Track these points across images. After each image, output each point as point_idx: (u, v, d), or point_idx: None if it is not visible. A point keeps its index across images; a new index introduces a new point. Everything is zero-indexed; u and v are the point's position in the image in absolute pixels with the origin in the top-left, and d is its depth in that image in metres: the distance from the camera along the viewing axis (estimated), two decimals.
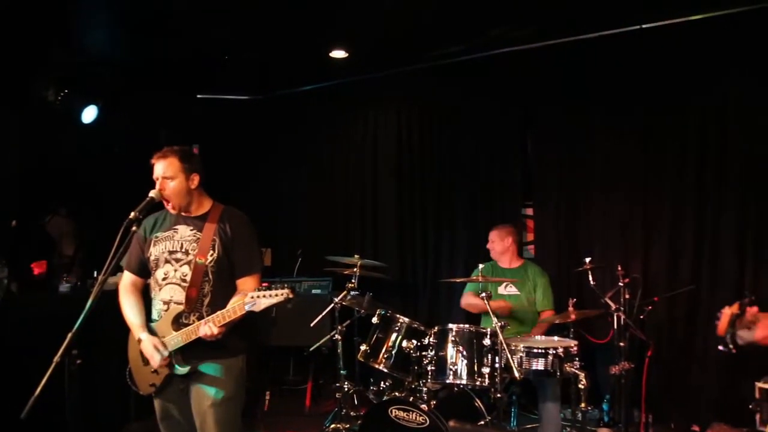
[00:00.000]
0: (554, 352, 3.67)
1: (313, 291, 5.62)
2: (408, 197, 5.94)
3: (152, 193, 2.85)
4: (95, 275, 4.90)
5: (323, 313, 4.57)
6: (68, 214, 5.29)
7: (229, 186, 5.95)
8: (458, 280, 4.35)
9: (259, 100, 6.57)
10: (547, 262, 5.06)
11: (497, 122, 5.48)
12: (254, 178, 6.52)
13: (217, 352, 2.86)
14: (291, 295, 2.56)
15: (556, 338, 3.99)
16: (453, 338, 3.72)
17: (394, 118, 6.06)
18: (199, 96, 6.39)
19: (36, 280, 4.90)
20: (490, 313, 3.57)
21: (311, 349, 4.84)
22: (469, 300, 4.56)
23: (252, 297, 2.61)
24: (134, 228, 2.62)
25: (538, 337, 4.11)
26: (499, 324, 3.52)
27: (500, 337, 3.49)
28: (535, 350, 3.69)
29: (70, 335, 2.32)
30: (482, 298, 3.65)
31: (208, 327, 2.72)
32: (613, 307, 3.94)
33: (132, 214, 2.64)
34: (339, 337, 4.46)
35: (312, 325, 4.60)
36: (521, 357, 3.68)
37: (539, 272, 4.64)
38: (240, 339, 2.93)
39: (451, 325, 3.78)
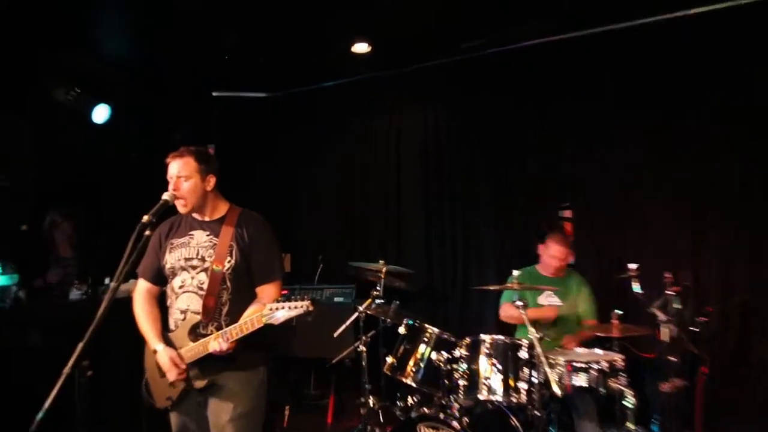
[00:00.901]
0: (598, 366, 3.56)
1: (336, 299, 5.59)
2: (435, 199, 5.90)
3: (166, 196, 2.84)
4: (107, 282, 4.93)
5: (346, 323, 4.55)
6: (66, 215, 5.31)
7: (246, 188, 5.99)
8: (492, 288, 4.27)
9: (277, 98, 6.57)
10: (586, 268, 4.94)
11: (530, 119, 5.42)
12: (272, 180, 6.53)
13: (237, 363, 2.84)
14: (311, 308, 2.55)
15: (599, 351, 3.87)
16: (486, 350, 3.66)
17: (419, 116, 6.04)
18: (214, 94, 6.42)
19: (45, 287, 4.94)
20: (527, 324, 3.49)
21: (334, 361, 4.82)
22: (509, 311, 4.46)
23: (270, 309, 2.59)
24: (147, 232, 2.61)
25: (579, 350, 4.01)
26: (537, 335, 3.44)
27: (538, 349, 3.42)
28: (577, 364, 3.59)
29: (80, 345, 2.30)
30: (517, 307, 3.58)
31: (217, 343, 2.72)
32: (663, 318, 3.82)
33: (145, 217, 2.63)
34: (363, 349, 4.43)
35: (335, 335, 4.57)
36: (561, 371, 3.58)
37: (582, 281, 4.53)
38: (260, 350, 2.92)
39: (484, 336, 3.72)
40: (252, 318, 2.66)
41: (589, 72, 5.15)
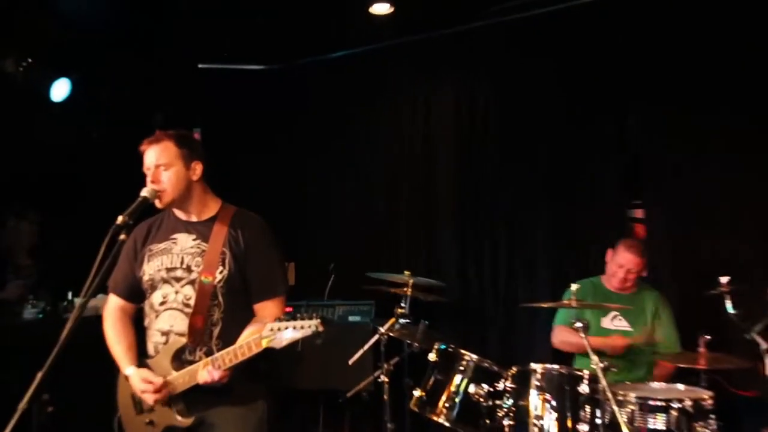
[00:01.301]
0: (680, 406, 3.51)
1: (351, 318, 5.62)
2: (472, 196, 5.89)
3: (145, 192, 2.85)
4: (70, 297, 4.97)
5: (364, 348, 4.55)
6: (22, 215, 5.37)
7: (239, 182, 6.07)
8: (544, 305, 4.25)
9: (277, 71, 6.60)
10: (662, 282, 4.92)
11: (589, 97, 5.40)
12: (272, 172, 6.57)
13: (231, 397, 2.84)
14: (321, 328, 2.54)
15: (681, 387, 3.83)
16: (537, 383, 3.66)
17: (450, 92, 6.03)
18: (201, 66, 6.46)
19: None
20: (589, 351, 3.48)
21: (348, 394, 4.83)
22: (564, 336, 4.43)
23: (271, 329, 2.58)
24: (122, 236, 2.62)
25: (655, 385, 3.96)
26: (602, 365, 3.42)
27: (603, 382, 3.40)
28: (653, 402, 3.54)
29: (39, 375, 2.30)
30: (575, 330, 3.56)
31: (207, 371, 2.71)
32: (766, 346, 3.74)
33: (120, 218, 2.63)
34: (385, 379, 4.45)
35: (350, 362, 4.58)
36: (633, 411, 3.54)
37: (659, 299, 4.49)
38: (259, 380, 2.91)
39: (534, 365, 3.73)
40: (249, 341, 2.65)
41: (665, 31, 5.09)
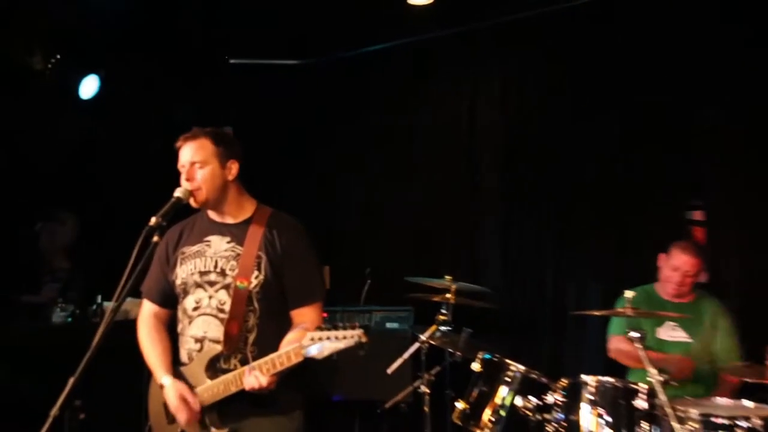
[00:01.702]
0: (748, 424, 3.39)
1: (388, 325, 5.61)
2: (518, 197, 5.87)
3: (178, 192, 2.87)
4: (99, 300, 5.03)
5: (403, 357, 4.53)
6: (63, 219, 5.45)
7: (271, 182, 6.09)
8: (596, 313, 4.19)
9: (312, 66, 6.62)
10: (726, 289, 4.85)
11: (645, 92, 5.32)
12: (305, 171, 6.59)
13: (266, 407, 2.85)
14: (364, 339, 2.54)
15: (748, 403, 3.71)
16: (590, 396, 3.61)
17: (497, 88, 6.00)
18: (233, 61, 6.49)
19: (25, 306, 5.07)
20: (646, 363, 3.43)
21: (386, 405, 4.81)
22: (621, 345, 4.36)
23: (312, 339, 2.58)
24: (156, 238, 2.64)
25: (719, 401, 3.87)
26: (661, 378, 3.38)
27: (662, 397, 3.35)
28: (718, 420, 3.44)
29: (71, 381, 2.32)
30: (631, 340, 3.51)
31: (254, 377, 2.71)
32: None
33: (153, 219, 2.65)
34: (425, 390, 4.44)
35: (388, 372, 4.55)
36: (695, 429, 3.43)
37: (719, 309, 4.40)
38: (295, 390, 2.92)
39: (586, 378, 3.67)
40: (289, 350, 2.66)
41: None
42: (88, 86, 5.34)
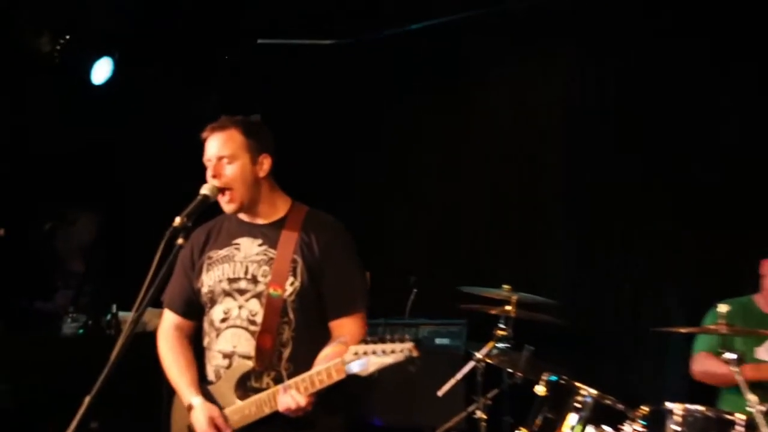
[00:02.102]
0: None
1: (438, 341, 5.59)
2: (585, 195, 5.81)
3: (205, 189, 2.84)
4: (114, 310, 5.04)
5: (456, 377, 4.51)
6: (77, 219, 5.49)
7: (304, 176, 6.07)
8: (682, 330, 4.12)
9: (350, 46, 6.61)
10: None
11: (738, 75, 5.24)
12: (341, 165, 6.61)
13: (304, 429, 2.81)
14: (415, 353, 2.50)
15: None
16: (676, 427, 3.56)
17: (562, 70, 5.96)
18: (260, 42, 6.49)
19: (37, 314, 5.11)
20: (743, 388, 3.38)
21: None
22: (707, 366, 4.28)
23: (355, 353, 2.55)
24: (180, 241, 2.60)
25: None
26: (762, 407, 3.33)
27: (764, 430, 3.30)
28: None
29: (87, 400, 2.30)
30: (726, 362, 3.48)
31: (290, 396, 2.68)
32: None
33: (177, 219, 2.62)
34: (481, 416, 4.41)
35: (438, 394, 4.53)
36: None
37: None
38: (336, 412, 2.91)
39: (670, 405, 3.62)
40: (329, 366, 2.62)
41: None
42: (101, 70, 5.36)
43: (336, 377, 2.61)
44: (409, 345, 2.49)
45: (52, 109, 5.39)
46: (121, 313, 5.08)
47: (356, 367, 2.55)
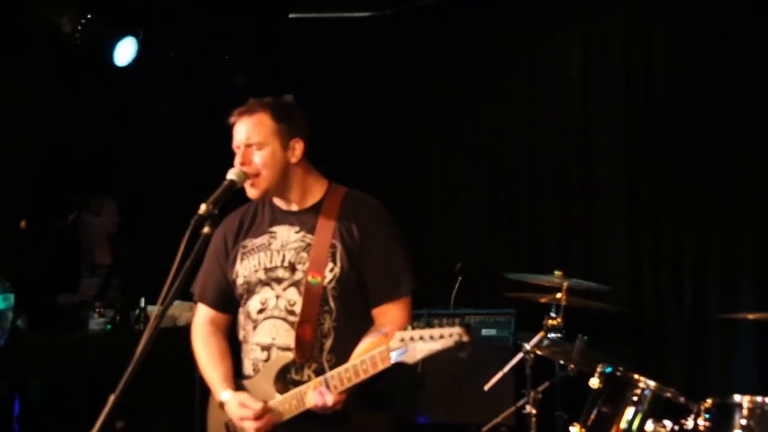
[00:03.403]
0: None
1: (485, 331, 5.59)
2: (647, 178, 5.77)
3: (232, 174, 2.84)
4: (143, 304, 5.11)
5: (504, 370, 4.54)
6: (99, 208, 5.56)
7: (340, 158, 6.08)
8: (750, 316, 4.07)
9: (387, 18, 6.62)
10: None
11: None
12: (382, 146, 6.62)
13: (348, 427, 2.83)
14: (466, 338, 2.47)
15: None
16: (743, 421, 3.53)
17: (618, 46, 5.92)
18: (292, 16, 6.51)
19: (61, 308, 5.18)
20: None
21: (484, 429, 4.83)
22: None
23: (402, 339, 2.54)
24: (207, 229, 2.61)
25: None
26: None
27: None
28: None
29: (112, 398, 2.32)
30: None
31: (318, 393, 2.70)
32: None
33: (202, 207, 2.61)
34: (531, 410, 4.41)
35: (485, 388, 4.56)
36: None
37: None
38: (382, 407, 2.92)
39: (738, 397, 3.59)
40: (374, 354, 2.61)
41: None
42: (125, 51, 5.39)
43: (381, 366, 2.60)
44: (458, 329, 2.47)
45: (73, 91, 5.44)
46: (150, 307, 5.13)
47: (403, 355, 2.55)
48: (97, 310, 5.12)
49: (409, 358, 2.53)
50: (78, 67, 5.43)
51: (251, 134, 2.89)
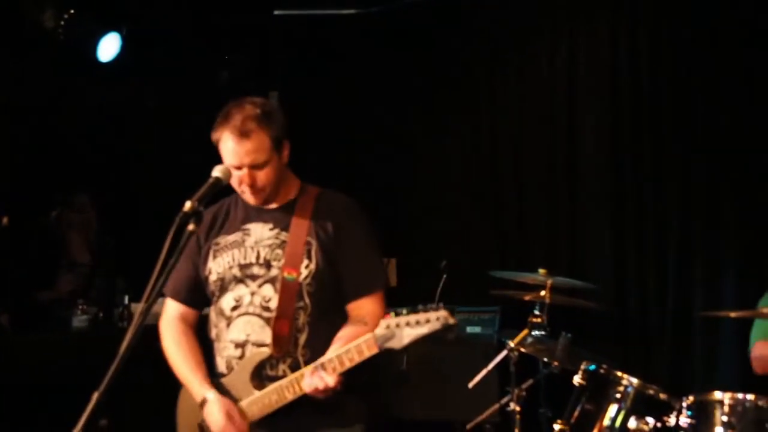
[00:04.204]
0: None
1: (469, 329, 5.61)
2: (632, 177, 5.78)
3: (217, 172, 2.80)
4: (126, 301, 5.10)
5: (488, 367, 4.54)
6: (81, 206, 5.54)
7: (324, 158, 6.09)
8: (733, 314, 4.08)
9: (374, 15, 6.58)
10: None
11: None
12: (366, 145, 6.62)
13: (324, 417, 2.86)
14: (451, 321, 2.54)
15: None
16: (724, 417, 3.49)
17: (605, 39, 5.92)
18: (277, 12, 6.51)
19: (39, 304, 5.16)
20: None
21: (468, 426, 4.83)
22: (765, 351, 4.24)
23: (388, 326, 2.58)
24: (191, 227, 2.61)
25: None
26: None
27: None
28: None
29: (95, 396, 2.32)
30: None
31: (318, 377, 2.70)
32: None
33: (187, 204, 2.59)
34: (515, 408, 4.41)
35: (469, 386, 4.57)
36: None
37: None
38: (358, 397, 2.93)
39: (719, 394, 3.56)
40: (360, 343, 2.65)
41: None
42: (108, 47, 5.38)
43: (368, 353, 2.64)
44: (444, 313, 2.53)
45: (56, 88, 5.42)
46: (133, 305, 5.13)
47: (389, 341, 2.59)
48: (81, 307, 5.11)
49: (396, 344, 2.58)
50: (61, 63, 5.41)
51: (256, 158, 2.87)
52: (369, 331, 2.64)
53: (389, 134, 6.62)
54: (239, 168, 2.88)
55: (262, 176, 2.90)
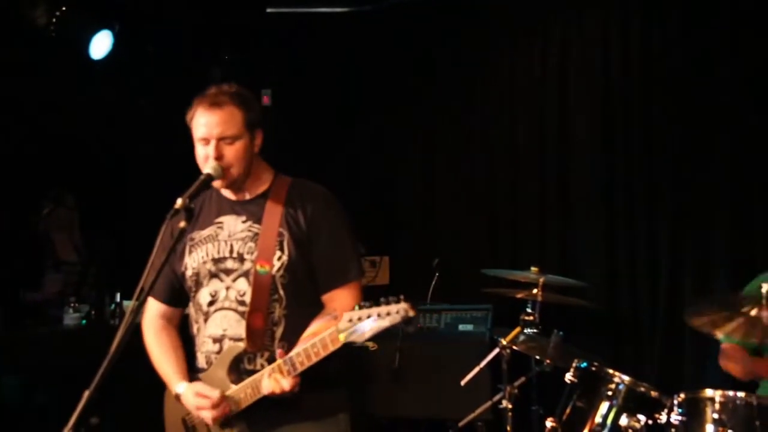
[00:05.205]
0: None
1: (462, 327, 5.57)
2: (624, 176, 5.78)
3: (209, 169, 2.84)
4: (118, 299, 5.09)
5: (480, 365, 4.55)
6: (64, 203, 5.53)
7: (318, 156, 6.09)
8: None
9: (367, 14, 6.59)
10: None
11: None
12: (359, 144, 6.63)
13: (302, 410, 2.86)
14: (412, 312, 2.53)
15: None
16: (715, 415, 3.49)
17: (598, 36, 5.92)
18: (269, 10, 6.51)
19: (28, 305, 5.15)
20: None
21: (460, 424, 4.84)
22: (729, 354, 4.16)
23: (350, 320, 2.58)
24: (183, 224, 2.63)
25: None
26: None
27: None
28: None
29: (86, 394, 2.33)
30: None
31: (274, 380, 2.72)
32: None
33: (179, 201, 2.63)
34: (507, 405, 4.43)
35: (462, 383, 4.58)
36: None
37: None
38: (334, 387, 2.95)
39: (710, 392, 3.57)
40: (324, 337, 2.66)
41: None
42: (100, 44, 5.37)
43: (332, 347, 2.64)
44: (404, 305, 2.51)
45: (48, 85, 5.40)
46: (125, 302, 5.12)
47: (352, 335, 2.59)
48: (72, 305, 5.10)
49: (359, 338, 2.58)
50: (52, 60, 5.39)
51: (225, 129, 2.86)
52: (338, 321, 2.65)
53: (382, 132, 6.63)
54: (207, 141, 2.86)
55: (230, 151, 2.87)
